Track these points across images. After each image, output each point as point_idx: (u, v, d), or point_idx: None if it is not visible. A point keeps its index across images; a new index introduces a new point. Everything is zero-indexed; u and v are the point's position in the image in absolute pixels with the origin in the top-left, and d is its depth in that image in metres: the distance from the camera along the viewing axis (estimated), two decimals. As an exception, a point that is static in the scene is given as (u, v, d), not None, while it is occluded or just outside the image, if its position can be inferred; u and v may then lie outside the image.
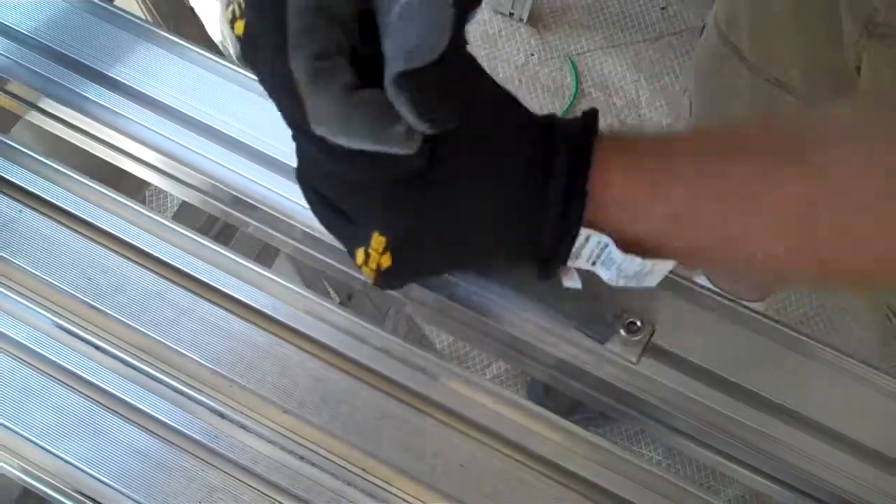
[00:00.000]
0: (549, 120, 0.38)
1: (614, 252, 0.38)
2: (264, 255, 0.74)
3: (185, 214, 0.74)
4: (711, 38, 0.83)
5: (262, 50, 0.32)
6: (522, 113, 0.38)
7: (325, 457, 0.43)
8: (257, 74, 0.33)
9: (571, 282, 0.42)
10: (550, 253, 0.38)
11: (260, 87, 0.50)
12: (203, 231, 0.70)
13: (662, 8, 1.73)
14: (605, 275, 0.40)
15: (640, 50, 1.70)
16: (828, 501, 0.44)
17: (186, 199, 0.50)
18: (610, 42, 1.71)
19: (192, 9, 0.79)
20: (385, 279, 0.38)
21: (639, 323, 0.45)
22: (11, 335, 0.45)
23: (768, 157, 0.37)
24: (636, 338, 0.45)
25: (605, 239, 0.38)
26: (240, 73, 0.52)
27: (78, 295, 0.46)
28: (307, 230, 0.47)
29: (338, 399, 0.44)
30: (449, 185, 0.36)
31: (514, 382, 1.43)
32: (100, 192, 0.49)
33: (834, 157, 0.36)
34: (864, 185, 0.35)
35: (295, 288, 0.47)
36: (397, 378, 0.45)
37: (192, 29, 0.81)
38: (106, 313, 0.45)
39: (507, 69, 1.69)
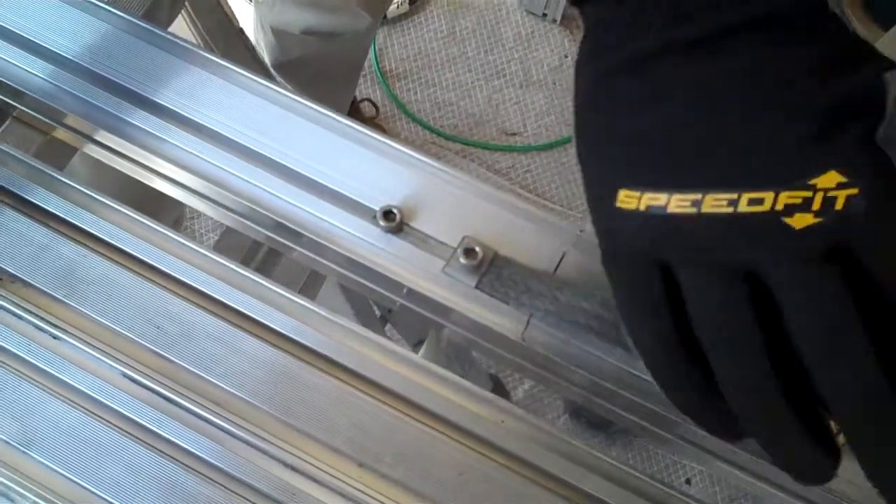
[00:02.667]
0: None
1: None
2: (308, 286, 0.72)
3: (227, 243, 0.72)
4: None
5: None
6: None
7: (404, 516, 0.41)
8: None
9: None
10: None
11: (305, 110, 0.48)
12: (246, 261, 0.69)
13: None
14: None
15: (676, 50, 1.67)
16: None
17: (230, 225, 0.49)
18: (644, 42, 1.68)
19: (240, 30, 0.78)
20: None
21: None
22: (78, 386, 0.44)
23: None
24: None
25: None
26: (288, 96, 0.49)
27: (145, 343, 0.45)
28: (350, 255, 0.46)
29: (415, 452, 0.42)
30: None
31: (551, 392, 1.41)
32: (162, 233, 0.47)
33: None
34: None
35: (361, 332, 0.45)
36: (475, 430, 0.43)
37: (240, 51, 0.79)
38: (175, 363, 0.44)
39: (541, 71, 1.66)
